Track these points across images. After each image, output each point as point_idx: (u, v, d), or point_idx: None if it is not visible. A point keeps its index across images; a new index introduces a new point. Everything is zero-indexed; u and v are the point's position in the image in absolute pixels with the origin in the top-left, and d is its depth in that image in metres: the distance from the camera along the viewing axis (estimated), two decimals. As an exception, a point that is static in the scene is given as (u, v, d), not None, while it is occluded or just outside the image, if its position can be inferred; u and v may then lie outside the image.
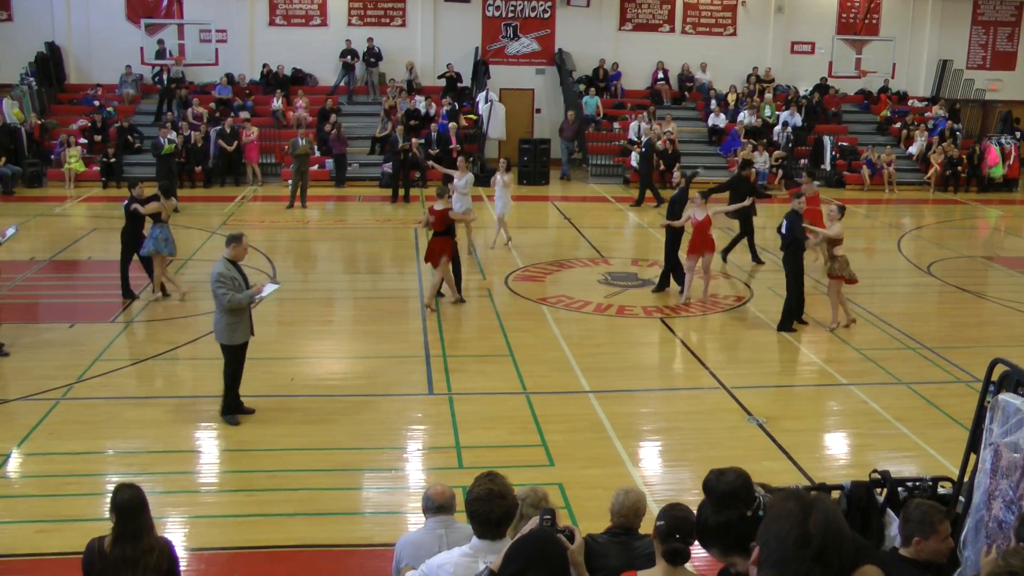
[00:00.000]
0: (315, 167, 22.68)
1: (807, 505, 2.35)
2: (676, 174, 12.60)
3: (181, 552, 5.86)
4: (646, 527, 5.03)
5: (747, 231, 15.67)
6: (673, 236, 13.59)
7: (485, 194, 20.05)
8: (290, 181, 20.85)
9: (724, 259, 15.61)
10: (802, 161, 25.75)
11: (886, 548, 4.96)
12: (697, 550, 3.87)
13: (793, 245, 11.96)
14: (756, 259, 15.72)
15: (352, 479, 8.01)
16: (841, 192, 24.39)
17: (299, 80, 26.45)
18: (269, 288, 9.29)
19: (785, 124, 25.93)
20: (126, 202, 13.04)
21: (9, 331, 11.04)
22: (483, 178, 20.80)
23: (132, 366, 10.58)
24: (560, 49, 27.36)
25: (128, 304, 12.81)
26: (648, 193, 21.70)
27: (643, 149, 22.42)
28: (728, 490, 3.34)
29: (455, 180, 15.92)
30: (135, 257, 13.07)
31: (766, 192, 18.00)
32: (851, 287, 12.52)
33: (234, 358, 9.00)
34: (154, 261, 13.00)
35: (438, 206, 12.74)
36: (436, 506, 4.86)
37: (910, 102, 28.69)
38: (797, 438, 8.88)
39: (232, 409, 9.03)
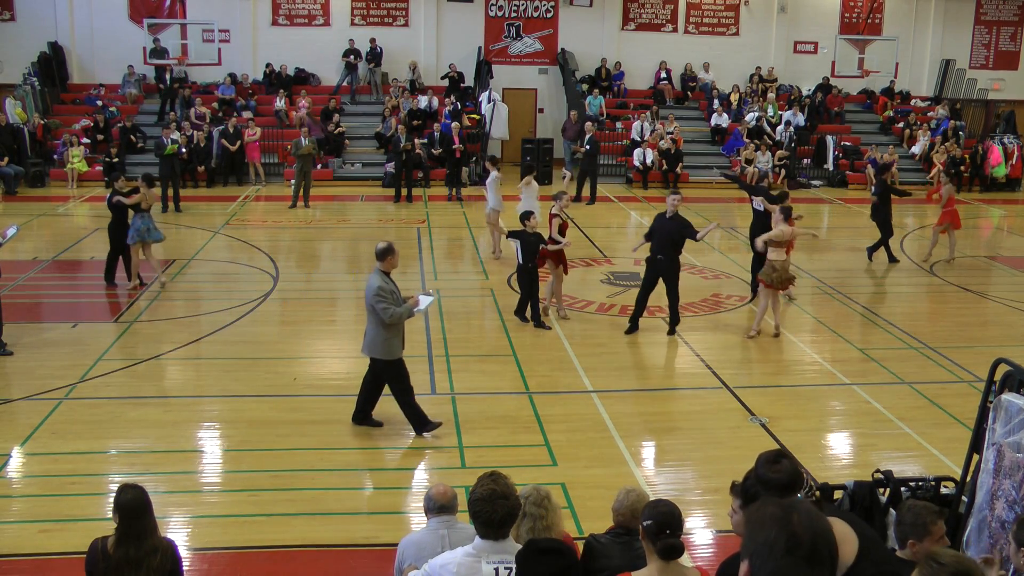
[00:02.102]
0: (318, 167, 22.71)
1: (787, 507, 2.30)
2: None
3: (184, 552, 5.87)
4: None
5: (888, 232, 16.08)
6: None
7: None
8: (293, 181, 20.87)
9: (870, 258, 16.23)
10: (805, 161, 25.76)
11: (889, 548, 4.96)
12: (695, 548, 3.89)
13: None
14: (892, 259, 16.20)
15: (355, 479, 8.02)
16: (844, 192, 24.43)
17: (302, 80, 26.47)
18: (425, 301, 8.73)
19: (788, 124, 25.92)
20: (108, 196, 13.57)
21: (12, 331, 11.05)
22: (482, 177, 20.81)
23: (135, 366, 10.59)
24: (563, 49, 27.37)
25: (130, 303, 12.83)
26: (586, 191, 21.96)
27: (587, 147, 22.37)
28: (771, 480, 3.40)
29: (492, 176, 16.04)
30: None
31: (905, 191, 17.91)
32: (848, 283, 12.46)
33: (395, 374, 8.71)
34: (132, 251, 13.45)
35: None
36: (438, 506, 4.87)
37: (913, 102, 28.67)
38: (800, 438, 8.88)
39: (423, 422, 8.73)
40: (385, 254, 8.54)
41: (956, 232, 16.43)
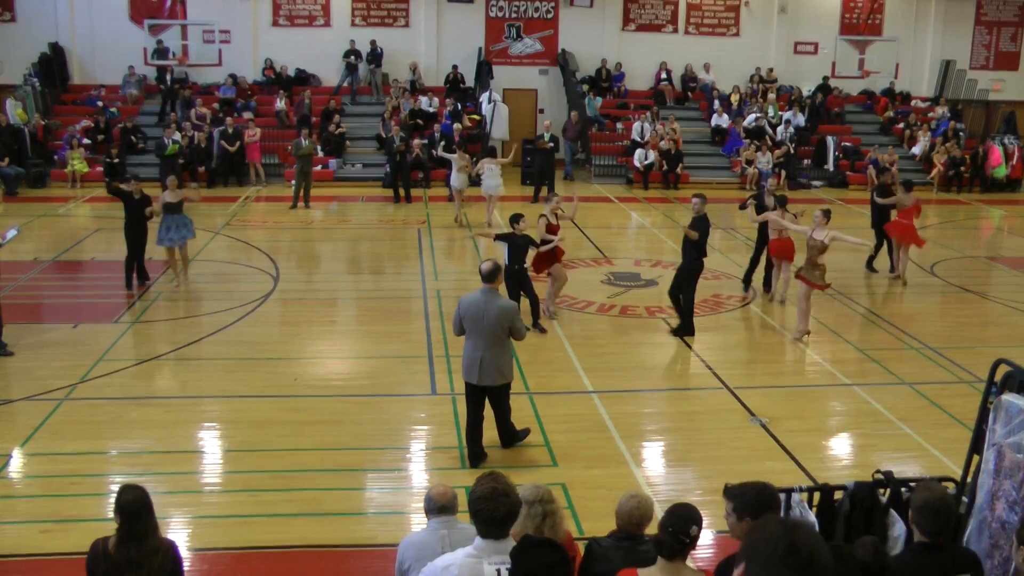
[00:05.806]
0: (318, 167, 22.72)
1: (791, 524, 2.36)
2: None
3: (185, 553, 5.86)
4: (651, 530, 5.03)
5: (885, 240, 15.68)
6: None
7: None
8: (293, 182, 20.88)
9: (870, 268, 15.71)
10: (805, 161, 25.75)
11: (889, 548, 4.95)
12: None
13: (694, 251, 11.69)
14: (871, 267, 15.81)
15: (355, 479, 8.01)
16: (845, 192, 24.41)
17: (302, 80, 26.47)
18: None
19: (788, 124, 25.92)
20: (139, 198, 13.38)
21: (13, 331, 11.05)
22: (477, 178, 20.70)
23: (135, 366, 10.59)
24: (563, 49, 27.37)
25: (131, 304, 12.83)
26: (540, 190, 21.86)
27: (550, 144, 22.23)
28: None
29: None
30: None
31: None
32: (848, 284, 12.44)
33: (508, 394, 8.32)
34: (171, 251, 13.67)
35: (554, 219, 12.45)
36: (438, 507, 4.86)
37: (913, 102, 28.67)
38: (800, 438, 8.88)
39: (515, 434, 8.49)
40: (494, 275, 8.16)
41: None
